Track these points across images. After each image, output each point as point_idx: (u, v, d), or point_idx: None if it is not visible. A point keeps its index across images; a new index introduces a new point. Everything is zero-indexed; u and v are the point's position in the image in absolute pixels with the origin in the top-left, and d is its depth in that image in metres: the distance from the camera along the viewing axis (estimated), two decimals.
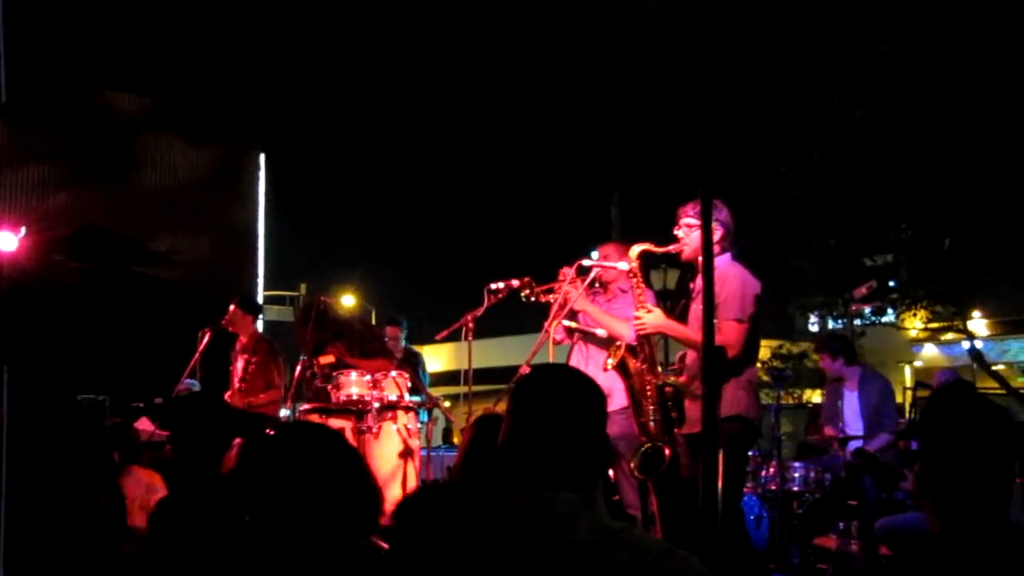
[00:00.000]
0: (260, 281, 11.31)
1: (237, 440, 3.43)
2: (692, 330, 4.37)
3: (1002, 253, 13.69)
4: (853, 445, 5.98)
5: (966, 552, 2.02)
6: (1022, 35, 12.20)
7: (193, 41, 12.00)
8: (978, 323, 20.12)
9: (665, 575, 1.69)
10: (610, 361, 4.65)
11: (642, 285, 4.69)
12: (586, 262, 5.15)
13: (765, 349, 18.16)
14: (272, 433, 2.30)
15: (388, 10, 27.11)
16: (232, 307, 7.07)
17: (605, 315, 5.17)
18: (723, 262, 4.37)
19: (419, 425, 6.47)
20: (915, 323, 18.00)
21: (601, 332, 5.21)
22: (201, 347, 7.02)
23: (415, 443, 6.15)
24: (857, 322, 18.20)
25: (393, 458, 5.97)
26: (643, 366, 4.59)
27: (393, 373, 6.24)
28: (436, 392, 8.97)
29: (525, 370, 4.25)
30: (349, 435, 5.82)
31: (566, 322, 5.25)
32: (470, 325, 5.75)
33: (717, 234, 4.33)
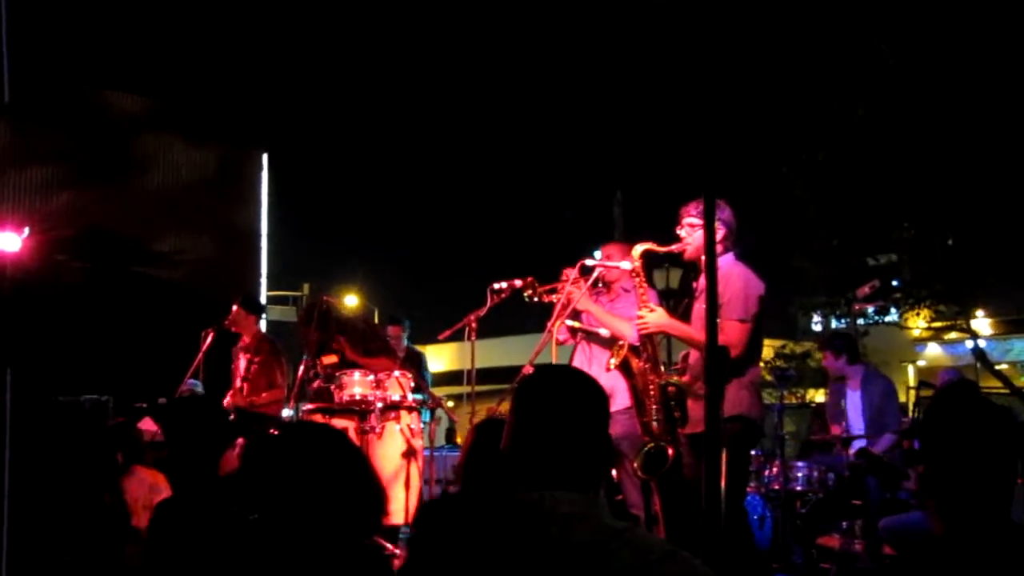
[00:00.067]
0: (263, 281, 11.32)
1: (239, 440, 3.44)
2: (695, 330, 4.36)
3: (1005, 252, 13.68)
4: (857, 445, 5.97)
5: (969, 552, 2.02)
6: (1022, 35, 12.19)
7: (195, 41, 12.00)
8: (981, 322, 20.09)
9: (668, 575, 1.69)
10: (613, 361, 4.64)
11: (645, 285, 4.68)
12: (589, 262, 5.14)
13: (768, 349, 18.13)
14: (276, 433, 2.30)
15: (389, 10, 27.13)
16: (235, 307, 7.07)
17: (608, 315, 5.16)
18: (726, 262, 4.36)
19: (422, 425, 6.47)
20: (918, 322, 18.01)
21: (604, 332, 5.20)
22: (204, 347, 7.03)
23: (418, 443, 6.14)
24: (861, 321, 18.20)
25: (396, 458, 5.97)
26: (646, 366, 4.58)
27: (396, 373, 6.23)
28: (439, 392, 8.95)
29: (528, 370, 4.25)
30: (352, 435, 5.82)
31: (569, 322, 5.24)
32: (473, 325, 5.74)
33: (720, 233, 4.32)
